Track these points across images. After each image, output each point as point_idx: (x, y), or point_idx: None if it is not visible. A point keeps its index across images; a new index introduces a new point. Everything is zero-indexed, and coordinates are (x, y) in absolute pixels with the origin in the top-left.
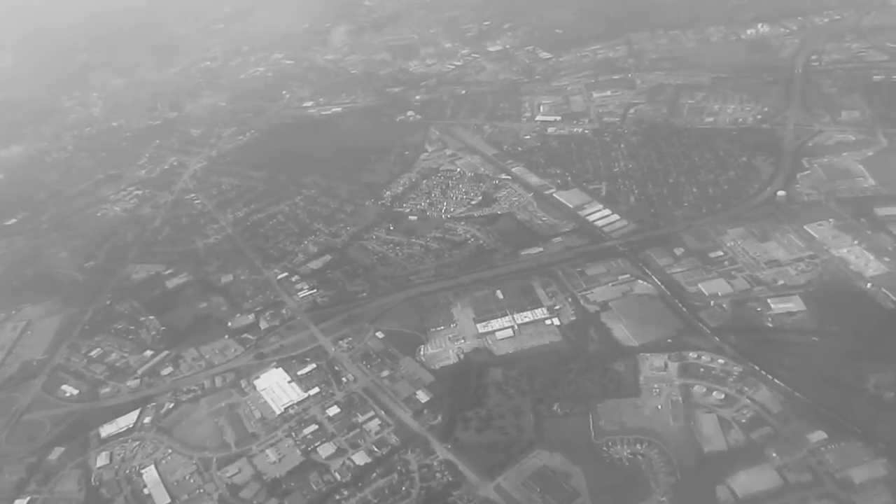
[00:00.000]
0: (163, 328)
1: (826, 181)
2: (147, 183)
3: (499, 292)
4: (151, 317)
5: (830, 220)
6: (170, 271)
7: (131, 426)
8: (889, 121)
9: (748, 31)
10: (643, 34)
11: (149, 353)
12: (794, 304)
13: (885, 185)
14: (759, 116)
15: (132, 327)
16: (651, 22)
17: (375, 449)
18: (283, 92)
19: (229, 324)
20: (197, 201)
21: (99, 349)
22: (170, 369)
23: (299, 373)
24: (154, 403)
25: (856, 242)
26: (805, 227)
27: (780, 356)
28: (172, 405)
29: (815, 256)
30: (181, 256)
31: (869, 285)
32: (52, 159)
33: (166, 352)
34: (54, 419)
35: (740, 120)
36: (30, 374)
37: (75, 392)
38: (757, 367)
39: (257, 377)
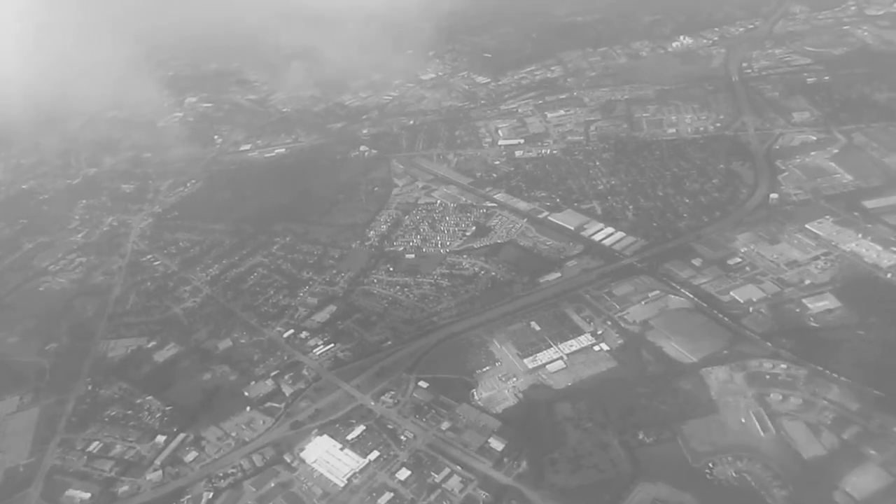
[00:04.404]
0: (168, 408)
1: (807, 180)
2: (88, 249)
3: (534, 323)
4: (149, 397)
5: (827, 217)
6: (153, 343)
7: None
8: (838, 119)
9: (673, 44)
10: (574, 53)
11: (161, 438)
12: (830, 302)
13: (861, 179)
14: (718, 124)
15: (130, 412)
16: (575, 40)
17: None
18: (214, 137)
19: (246, 393)
20: (157, 262)
21: (98, 442)
22: (194, 454)
23: (348, 437)
24: (189, 496)
25: (860, 236)
26: (806, 226)
27: (837, 354)
28: (212, 494)
29: (829, 253)
30: (161, 326)
31: (889, 275)
32: None
33: (182, 434)
34: None
35: (702, 129)
36: (20, 483)
37: (86, 496)
38: (820, 368)
39: (302, 449)
